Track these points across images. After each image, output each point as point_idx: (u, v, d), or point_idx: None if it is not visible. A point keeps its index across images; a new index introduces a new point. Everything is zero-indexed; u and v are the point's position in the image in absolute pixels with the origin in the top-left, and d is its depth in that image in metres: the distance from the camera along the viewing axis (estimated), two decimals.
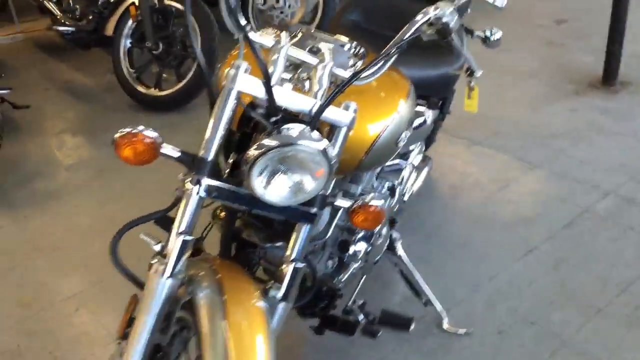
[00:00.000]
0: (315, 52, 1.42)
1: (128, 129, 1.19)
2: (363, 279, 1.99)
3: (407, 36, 1.37)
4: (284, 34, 1.31)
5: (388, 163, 2.07)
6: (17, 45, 4.67)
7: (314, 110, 1.28)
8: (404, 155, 2.18)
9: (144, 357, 1.20)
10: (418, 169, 2.27)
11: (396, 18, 2.12)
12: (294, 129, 1.23)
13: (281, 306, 1.34)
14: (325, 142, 1.23)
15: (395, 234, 2.11)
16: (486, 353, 1.95)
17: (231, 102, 1.24)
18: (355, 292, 1.93)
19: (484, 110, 3.32)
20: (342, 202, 1.41)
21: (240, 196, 1.28)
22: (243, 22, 1.27)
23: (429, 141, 2.50)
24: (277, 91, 1.25)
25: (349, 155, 1.46)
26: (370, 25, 2.25)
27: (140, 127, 1.20)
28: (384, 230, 1.92)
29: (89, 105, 3.77)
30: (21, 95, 3.61)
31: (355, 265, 1.82)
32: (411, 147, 2.17)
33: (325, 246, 1.81)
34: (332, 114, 1.31)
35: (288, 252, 1.36)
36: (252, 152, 1.20)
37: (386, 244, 1.98)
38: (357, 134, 1.43)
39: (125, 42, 3.70)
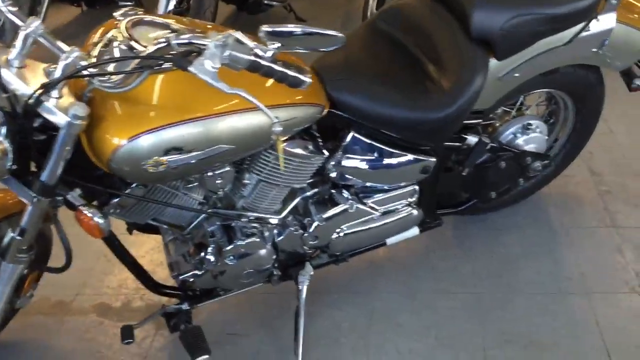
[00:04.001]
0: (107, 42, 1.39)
1: None
2: (229, 293, 1.90)
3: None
4: (32, 19, 1.33)
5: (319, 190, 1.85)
6: None
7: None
8: (363, 193, 1.88)
9: None
10: (386, 217, 1.93)
11: (423, 39, 1.81)
12: None
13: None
14: None
15: (306, 269, 1.90)
16: None
17: None
18: (207, 302, 1.88)
19: None
20: (74, 199, 1.43)
21: None
22: None
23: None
24: (4, 72, 1.32)
25: (99, 152, 1.40)
26: (400, 38, 1.90)
27: None
28: (262, 255, 1.78)
29: None
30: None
31: (197, 272, 1.76)
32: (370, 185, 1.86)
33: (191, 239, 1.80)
34: (50, 114, 1.31)
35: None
36: None
37: (259, 271, 1.82)
38: (102, 138, 1.36)
39: None
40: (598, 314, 1.99)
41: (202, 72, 1.22)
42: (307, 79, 1.33)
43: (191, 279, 1.78)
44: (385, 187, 1.91)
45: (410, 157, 1.83)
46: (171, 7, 3.28)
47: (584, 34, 1.84)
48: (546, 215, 2.40)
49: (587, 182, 2.55)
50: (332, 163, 1.77)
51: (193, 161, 1.44)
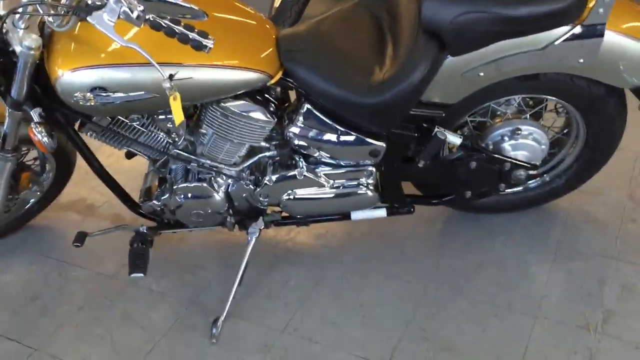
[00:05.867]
0: None
1: None
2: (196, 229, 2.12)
3: None
4: None
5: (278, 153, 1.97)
6: None
7: None
8: (317, 164, 1.96)
9: None
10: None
11: (395, 23, 1.88)
12: None
13: None
14: None
15: (257, 223, 2.05)
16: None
17: None
18: (167, 231, 2.15)
19: None
20: (33, 116, 1.74)
21: None
22: None
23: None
24: None
25: (51, 80, 1.65)
26: (381, 18, 1.92)
27: None
28: (211, 200, 1.97)
29: None
30: None
31: (156, 203, 2.00)
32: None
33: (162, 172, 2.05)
34: (14, 43, 1.62)
35: None
36: None
37: (212, 214, 2.01)
38: (52, 68, 1.62)
39: None
40: (534, 340, 1.87)
41: (99, 24, 1.44)
42: (208, 43, 1.48)
43: (156, 208, 2.04)
44: (341, 163, 1.97)
45: (357, 137, 1.87)
46: None
47: (563, 41, 1.69)
48: (547, 229, 2.24)
49: (616, 207, 2.32)
50: (290, 129, 1.88)
51: (117, 102, 1.66)
